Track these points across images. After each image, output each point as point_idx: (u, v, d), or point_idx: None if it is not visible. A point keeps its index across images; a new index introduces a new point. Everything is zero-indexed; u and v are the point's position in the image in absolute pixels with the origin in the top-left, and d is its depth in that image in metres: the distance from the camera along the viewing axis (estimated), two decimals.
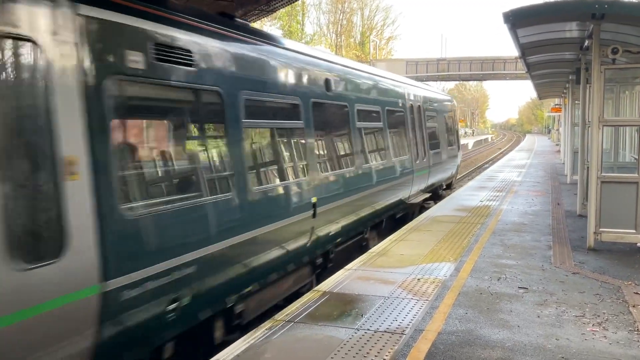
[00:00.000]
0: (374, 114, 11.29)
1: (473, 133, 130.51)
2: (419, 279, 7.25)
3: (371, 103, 11.05)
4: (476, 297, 6.54)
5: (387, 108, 11.83)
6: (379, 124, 11.46)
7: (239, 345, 5.14)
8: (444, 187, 18.55)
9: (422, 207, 14.77)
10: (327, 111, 9.10)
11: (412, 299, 6.45)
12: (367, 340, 5.20)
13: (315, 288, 6.95)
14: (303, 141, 7.94)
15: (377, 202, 10.95)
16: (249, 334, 5.43)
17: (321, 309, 6.13)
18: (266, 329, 5.52)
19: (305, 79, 8.07)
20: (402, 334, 5.38)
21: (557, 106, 43.22)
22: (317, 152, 8.42)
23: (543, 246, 9.31)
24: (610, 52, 9.10)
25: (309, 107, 8.00)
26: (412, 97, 14.13)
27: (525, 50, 12.25)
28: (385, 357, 4.83)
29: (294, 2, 16.25)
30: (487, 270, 7.74)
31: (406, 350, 5.00)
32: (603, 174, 9.20)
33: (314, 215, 7.84)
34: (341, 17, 67.77)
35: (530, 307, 6.24)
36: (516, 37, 10.43)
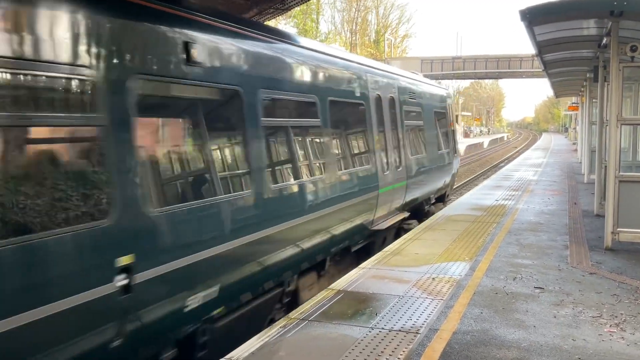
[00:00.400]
0: (304, 107, 7.83)
1: (489, 132, 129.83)
2: (433, 278, 7.22)
3: (296, 90, 7.44)
4: (491, 297, 6.50)
5: (330, 99, 8.29)
6: (314, 122, 7.97)
7: (254, 342, 5.16)
8: (433, 200, 14.63)
9: (399, 229, 11.74)
10: (186, 98, 5.49)
11: (426, 298, 6.43)
12: (382, 339, 5.19)
13: (330, 287, 6.95)
14: (110, 151, 4.40)
15: (306, 238, 7.41)
16: (263, 332, 5.45)
17: (335, 307, 6.12)
18: (280, 327, 5.53)
19: (105, 44, 4.41)
20: (416, 333, 5.37)
21: (574, 104, 42.80)
22: (148, 171, 4.80)
23: (559, 246, 9.22)
24: (629, 50, 8.99)
25: (123, 90, 4.52)
26: (379, 85, 10.53)
27: (542, 48, 12.14)
28: (399, 356, 4.82)
29: (308, 0, 16.24)
30: (502, 269, 7.69)
31: (421, 349, 4.99)
32: (621, 173, 9.09)
33: (126, 290, 4.37)
34: (356, 15, 67.63)
35: (547, 307, 6.18)
36: (533, 35, 10.34)
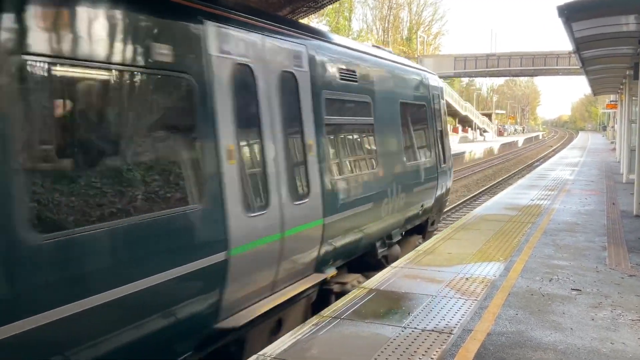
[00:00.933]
0: None
1: (523, 130, 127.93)
2: (467, 278, 7.14)
3: None
4: (527, 298, 6.39)
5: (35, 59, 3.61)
6: None
7: (286, 340, 5.19)
8: (399, 237, 9.50)
9: (328, 293, 7.34)
10: None
11: (460, 298, 6.36)
12: (415, 339, 5.16)
13: (362, 285, 6.94)
14: None
15: None
16: (295, 329, 5.47)
17: (368, 306, 6.11)
18: (312, 325, 5.55)
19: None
20: (450, 333, 5.32)
21: (612, 102, 41.81)
22: None
23: (597, 247, 9.01)
24: None
25: None
26: (249, 48, 5.70)
27: (580, 44, 11.89)
28: (432, 357, 4.79)
29: None
30: (538, 270, 7.56)
31: (454, 350, 4.94)
32: None
33: None
34: (388, 13, 67.28)
35: (584, 309, 6.06)
36: (571, 32, 10.14)
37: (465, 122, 71.64)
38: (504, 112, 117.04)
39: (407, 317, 5.75)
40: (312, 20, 47.47)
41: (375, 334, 5.32)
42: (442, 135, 11.90)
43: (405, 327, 5.45)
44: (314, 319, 5.74)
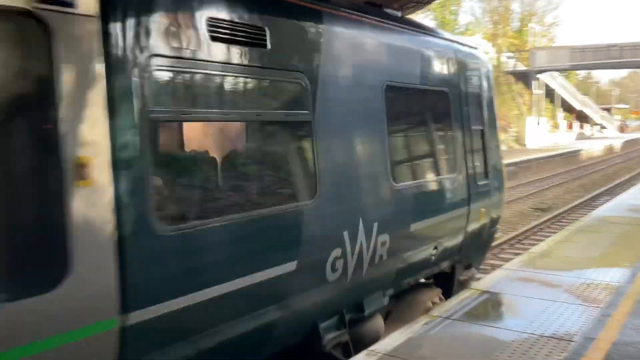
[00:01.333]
0: None
1: None
2: (588, 284, 6.74)
3: None
4: None
5: None
6: None
7: (397, 337, 5.18)
8: (369, 309, 5.55)
9: None
10: None
11: (580, 304, 6.02)
12: (532, 345, 4.95)
13: (473, 286, 6.78)
14: None
15: None
16: (405, 327, 5.45)
17: (479, 308, 5.96)
18: (423, 324, 5.50)
19: None
20: (570, 341, 5.05)
21: None
22: None
23: None
24: None
25: None
26: None
27: None
28: None
29: None
30: None
31: (576, 358, 4.69)
32: None
33: None
34: (498, 4, 64.75)
35: None
36: None
37: (582, 118, 67.43)
38: (627, 106, 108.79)
39: (522, 321, 5.54)
40: (418, 15, 46.79)
41: (488, 336, 5.18)
42: (484, 138, 7.67)
43: (521, 332, 5.25)
44: (424, 319, 5.69)
